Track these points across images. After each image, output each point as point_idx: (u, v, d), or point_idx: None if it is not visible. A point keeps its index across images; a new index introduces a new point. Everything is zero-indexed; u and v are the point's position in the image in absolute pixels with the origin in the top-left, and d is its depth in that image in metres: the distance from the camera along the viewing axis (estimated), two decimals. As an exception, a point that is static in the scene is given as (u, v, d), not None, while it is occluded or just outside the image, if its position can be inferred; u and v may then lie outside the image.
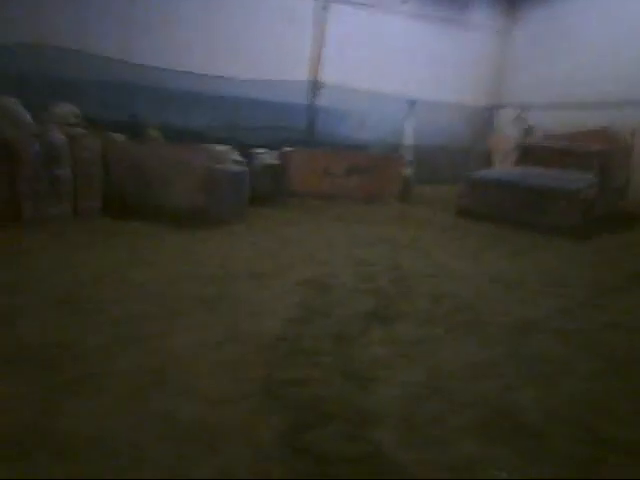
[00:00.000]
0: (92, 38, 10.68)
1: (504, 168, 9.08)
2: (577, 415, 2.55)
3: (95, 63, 10.63)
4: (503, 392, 2.72)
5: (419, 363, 3.00)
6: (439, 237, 6.78)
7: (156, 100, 11.08)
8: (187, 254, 4.90)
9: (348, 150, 10.76)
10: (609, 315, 4.09)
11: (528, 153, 9.48)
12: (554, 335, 3.56)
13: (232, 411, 2.33)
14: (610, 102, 11.63)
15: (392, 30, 13.67)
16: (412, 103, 13.82)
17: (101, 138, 6.25)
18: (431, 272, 4.98)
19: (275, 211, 7.52)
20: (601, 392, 2.79)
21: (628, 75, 11.40)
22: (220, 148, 6.94)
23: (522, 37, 14.76)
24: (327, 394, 2.55)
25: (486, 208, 8.09)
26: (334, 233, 6.44)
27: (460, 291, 4.43)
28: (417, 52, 13.90)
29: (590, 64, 12.43)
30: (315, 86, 13.15)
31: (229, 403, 2.38)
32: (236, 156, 6.92)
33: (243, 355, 2.90)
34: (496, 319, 3.80)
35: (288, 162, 8.83)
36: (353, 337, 3.29)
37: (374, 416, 2.39)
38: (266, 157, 8.78)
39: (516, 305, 4.17)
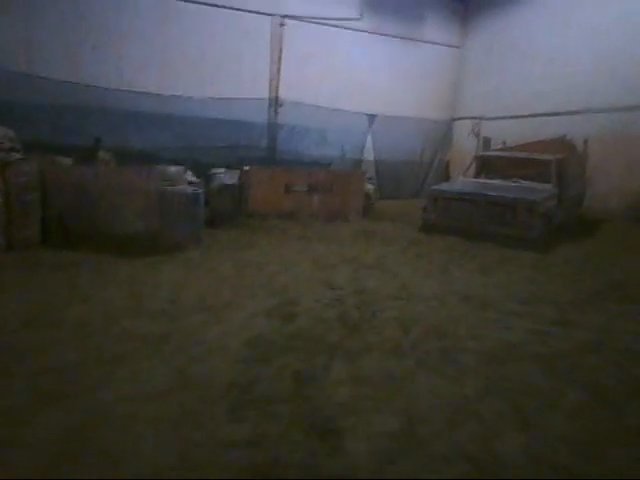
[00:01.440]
0: (42, 59, 10.11)
1: (465, 181, 8.94)
2: (567, 465, 2.23)
3: (45, 85, 10.04)
4: (484, 440, 2.38)
5: (389, 406, 2.63)
6: (404, 254, 6.49)
7: (110, 121, 10.54)
8: (134, 286, 4.40)
9: (310, 167, 10.45)
10: (586, 334, 3.84)
11: (487, 164, 9.42)
12: (533, 362, 3.27)
13: (167, 491, 1.89)
14: (563, 112, 11.81)
15: (350, 46, 13.60)
16: (372, 118, 13.73)
17: (41, 162, 5.70)
18: (398, 294, 4.65)
19: (234, 233, 7.08)
20: (591, 433, 2.48)
21: (579, 84, 11.59)
22: (173, 169, 6.49)
23: (475, 50, 14.95)
24: (284, 457, 2.14)
25: (450, 222, 7.90)
26: (296, 255, 6.06)
27: (430, 314, 4.11)
28: (375, 68, 13.86)
29: (541, 75, 12.62)
30: (275, 103, 12.87)
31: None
32: (191, 177, 6.49)
33: (187, 409, 2.45)
34: (470, 346, 3.48)
35: (248, 181, 8.43)
36: (315, 377, 2.90)
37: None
38: (225, 177, 8.37)
39: (489, 328, 3.88)
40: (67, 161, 6.80)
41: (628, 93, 10.65)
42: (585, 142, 10.00)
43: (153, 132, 11.18)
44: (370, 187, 9.71)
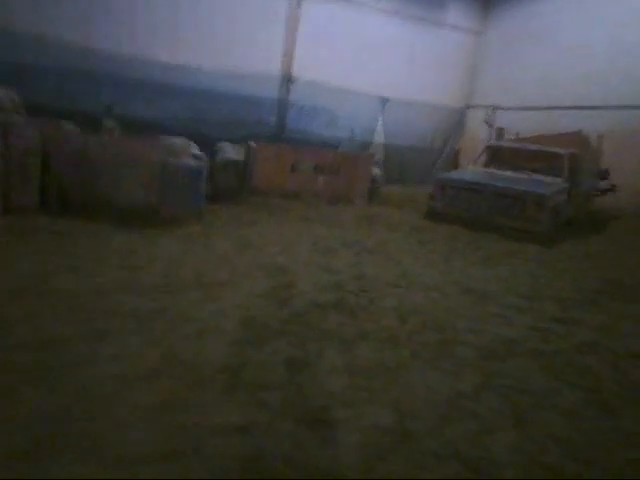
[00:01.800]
0: (51, 22, 9.86)
1: (474, 170, 8.75)
2: (559, 467, 2.14)
3: (54, 49, 9.83)
4: (476, 438, 2.29)
5: (382, 399, 2.55)
6: (407, 241, 6.37)
7: (118, 89, 10.35)
8: (130, 258, 4.31)
9: (317, 147, 10.25)
10: (586, 333, 3.75)
11: (497, 155, 9.21)
12: (531, 359, 3.18)
13: None
14: (579, 106, 11.51)
15: (366, 27, 13.24)
16: (384, 101, 13.45)
17: (44, 127, 5.55)
18: (398, 282, 4.55)
19: (236, 210, 6.95)
20: (586, 434, 2.40)
21: (601, 79, 11.27)
22: (178, 141, 6.32)
23: (495, 38, 14.54)
24: (273, 447, 2.06)
25: (456, 210, 7.75)
26: (298, 236, 5.94)
27: (429, 305, 4.01)
28: (391, 50, 13.51)
29: (562, 67, 12.27)
30: (287, 81, 12.60)
31: (144, 467, 1.86)
32: (195, 150, 6.32)
33: (174, 393, 2.37)
34: (468, 339, 3.39)
35: (253, 158, 8.26)
36: (308, 363, 2.81)
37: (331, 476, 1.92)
38: (230, 152, 8.20)
39: (489, 322, 3.78)
40: (72, 127, 6.65)
41: (644, 90, 10.37)
42: (600, 137, 9.76)
43: (161, 102, 10.99)
44: (377, 171, 9.52)
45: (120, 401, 2.26)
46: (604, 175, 9.44)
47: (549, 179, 7.89)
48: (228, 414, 2.25)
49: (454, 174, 8.57)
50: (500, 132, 11.63)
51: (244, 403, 2.35)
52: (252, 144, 8.44)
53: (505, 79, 13.96)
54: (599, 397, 2.74)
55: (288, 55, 12.59)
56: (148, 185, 5.68)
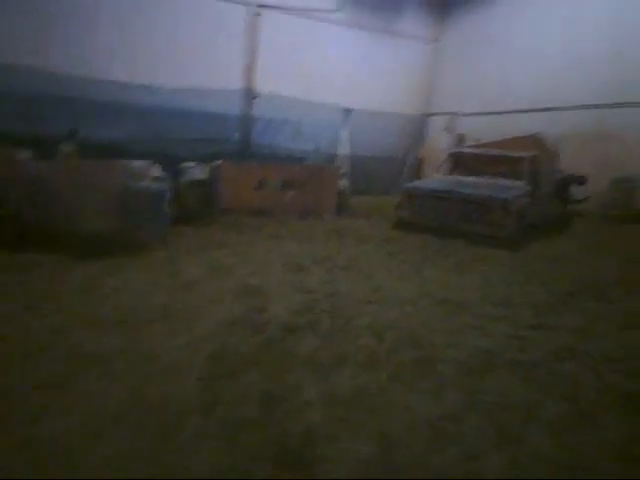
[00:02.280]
0: (7, 46, 9.47)
1: (439, 177, 8.80)
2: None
3: (10, 73, 9.43)
4: (463, 465, 2.18)
5: (364, 428, 2.41)
6: (379, 253, 6.29)
7: (79, 112, 9.99)
8: (90, 292, 4.05)
9: (284, 162, 10.14)
10: (562, 338, 3.71)
11: (460, 161, 9.29)
12: (511, 371, 3.10)
13: None
14: (537, 109, 11.79)
15: (327, 38, 13.30)
16: (348, 112, 13.47)
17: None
18: (372, 297, 4.44)
19: (204, 231, 6.74)
20: (572, 450, 2.32)
21: (555, 81, 11.58)
22: (139, 163, 6.08)
23: (452, 45, 14.81)
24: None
25: (424, 219, 7.75)
26: (268, 255, 5.78)
27: (404, 320, 3.91)
28: (352, 61, 13.59)
29: (518, 71, 12.58)
30: (249, 95, 12.47)
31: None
32: (157, 171, 6.10)
33: (135, 446, 2.16)
34: (447, 355, 3.29)
35: (219, 176, 8.08)
36: (284, 396, 2.65)
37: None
38: (195, 171, 7.98)
39: (466, 334, 3.70)
40: (26, 154, 6.32)
41: (598, 92, 10.69)
42: (558, 139, 9.99)
43: (124, 123, 10.68)
44: (344, 183, 9.47)
45: (72, 461, 2.04)
46: (582, 181, 9.57)
47: (512, 183, 7.99)
48: (199, 461, 2.07)
49: (420, 183, 8.60)
50: (461, 138, 11.79)
51: (217, 449, 2.17)
52: (218, 162, 8.26)
53: (463, 85, 14.22)
54: (581, 407, 2.68)
55: (249, 70, 12.48)
56: (108, 211, 5.42)
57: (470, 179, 8.31)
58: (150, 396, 2.54)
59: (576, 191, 9.70)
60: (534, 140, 9.43)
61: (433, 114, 15.26)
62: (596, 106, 10.78)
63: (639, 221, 9.37)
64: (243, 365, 2.96)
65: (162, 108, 11.16)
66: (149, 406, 2.45)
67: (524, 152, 8.52)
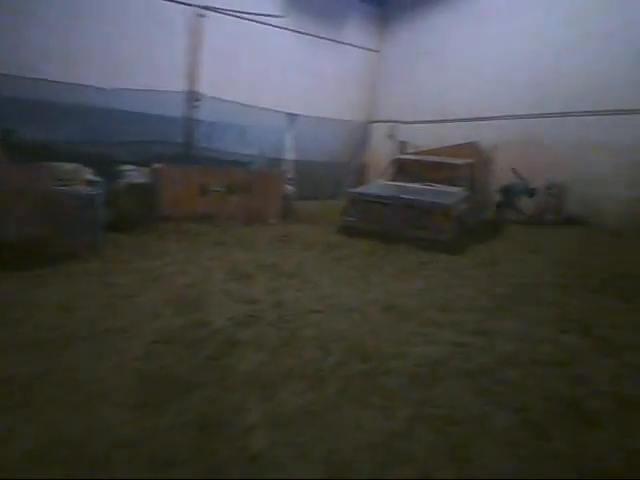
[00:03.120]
0: None
1: (383, 183, 8.82)
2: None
3: None
4: (418, 487, 2.04)
5: (313, 453, 2.21)
6: (324, 260, 6.14)
7: (10, 113, 9.16)
8: (10, 308, 3.59)
9: (228, 166, 9.78)
10: (505, 343, 3.69)
11: (402, 168, 9.36)
12: (457, 381, 3.02)
13: None
14: (473, 118, 12.16)
15: (272, 44, 13.09)
16: (293, 118, 13.30)
17: None
18: (319, 306, 4.26)
19: (142, 238, 6.31)
20: (523, 463, 2.24)
21: (491, 91, 11.98)
22: (69, 167, 5.59)
23: (392, 55, 15.04)
24: None
25: (369, 224, 7.71)
26: (211, 263, 5.46)
27: (351, 330, 3.76)
28: (297, 67, 13.45)
29: (453, 82, 12.93)
30: (192, 98, 11.99)
31: None
32: (90, 175, 5.63)
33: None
34: (394, 366, 3.16)
35: (160, 180, 7.63)
36: (225, 422, 2.40)
37: None
38: (134, 175, 7.50)
39: (412, 342, 3.60)
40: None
41: (528, 102, 11.18)
42: (493, 147, 10.31)
43: (59, 125, 9.92)
44: (290, 188, 9.27)
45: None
46: (532, 193, 9.86)
47: (452, 189, 8.12)
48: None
49: (365, 188, 8.56)
50: (402, 145, 11.94)
51: (147, 490, 1.90)
52: (158, 166, 7.81)
53: (404, 95, 14.46)
54: (531, 417, 2.61)
55: (192, 72, 12.02)
56: (35, 217, 4.91)
57: (412, 185, 8.37)
58: (72, 431, 2.21)
59: (526, 202, 10.00)
60: (471, 148, 9.69)
61: (376, 121, 15.42)
62: (525, 116, 11.27)
63: (568, 224, 9.86)
64: (181, 387, 2.68)
65: (100, 109, 10.49)
66: (70, 442, 2.12)
67: (462, 159, 8.71)
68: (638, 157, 9.22)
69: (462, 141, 10.10)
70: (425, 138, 12.17)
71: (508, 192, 10.03)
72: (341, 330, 3.73)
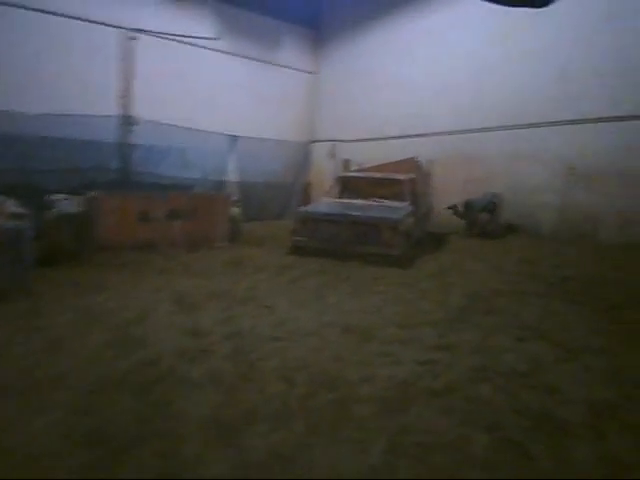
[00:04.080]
0: None
1: (330, 201, 8.73)
2: None
3: None
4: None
5: (285, 507, 1.94)
6: (278, 282, 5.88)
7: None
8: None
9: (169, 191, 9.33)
10: (468, 357, 3.60)
11: (347, 185, 9.36)
12: (430, 402, 2.86)
13: None
14: (410, 135, 12.46)
15: (210, 67, 12.85)
16: (234, 139, 13.03)
17: None
18: (277, 333, 3.99)
19: (78, 272, 5.76)
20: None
21: (422, 110, 12.34)
22: (-10, 199, 5.00)
23: (329, 76, 15.24)
24: None
25: (319, 243, 7.56)
26: (156, 294, 5.04)
27: (314, 357, 3.52)
28: (235, 89, 13.27)
29: (389, 101, 13.23)
30: (128, 122, 11.44)
31: None
32: (13, 207, 5.07)
33: None
34: (363, 392, 2.96)
35: (95, 209, 7.09)
36: (182, 478, 2.07)
37: None
38: (66, 204, 6.91)
39: (378, 364, 3.42)
40: None
41: (461, 118, 11.61)
42: (430, 162, 10.58)
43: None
44: (236, 210, 8.96)
45: None
46: (492, 208, 9.94)
47: (397, 204, 8.17)
48: None
49: (313, 207, 8.42)
50: (346, 163, 12.00)
51: None
52: (93, 194, 7.27)
53: (343, 114, 14.64)
54: (506, 435, 2.49)
55: (126, 95, 11.50)
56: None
57: (359, 202, 8.35)
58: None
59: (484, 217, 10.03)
60: (411, 163, 9.88)
61: (317, 141, 15.47)
62: (458, 131, 11.69)
63: (507, 233, 10.21)
64: (129, 442, 2.32)
65: (27, 135, 9.74)
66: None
67: (403, 175, 8.82)
68: (566, 166, 9.76)
69: (401, 157, 10.30)
70: (366, 155, 12.33)
71: (469, 207, 10.17)
72: (303, 357, 3.48)
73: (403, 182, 8.67)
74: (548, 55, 10.01)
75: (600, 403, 2.76)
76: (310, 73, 15.32)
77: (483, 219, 10.03)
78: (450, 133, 11.76)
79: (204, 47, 12.62)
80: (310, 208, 8.39)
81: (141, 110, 11.41)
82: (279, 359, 3.41)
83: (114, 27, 11.13)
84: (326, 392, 2.94)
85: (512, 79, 10.65)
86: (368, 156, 12.16)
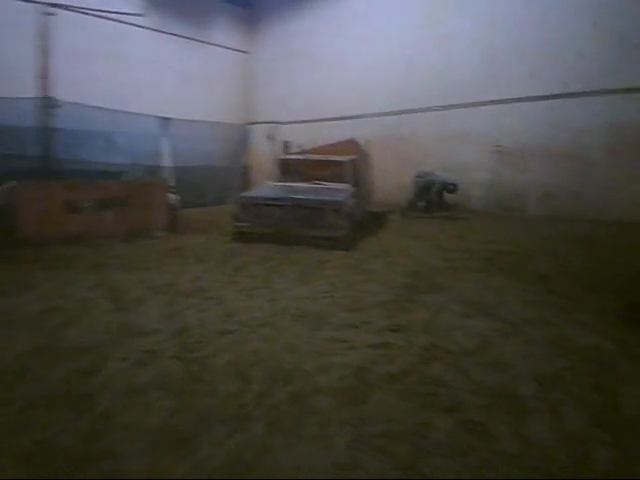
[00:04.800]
0: None
1: (272, 185, 8.48)
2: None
3: None
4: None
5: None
6: (223, 271, 5.61)
7: None
8: None
9: (98, 178, 8.62)
10: (419, 337, 3.60)
11: (288, 168, 9.13)
12: (387, 387, 2.80)
13: None
14: (347, 116, 12.37)
15: (137, 45, 11.91)
16: (167, 122, 12.27)
17: None
18: (227, 326, 3.78)
19: (-3, 271, 5.15)
20: (477, 470, 2.07)
21: (359, 91, 12.27)
22: None
23: (264, 56, 14.73)
24: None
25: (263, 228, 7.33)
26: (90, 292, 4.61)
27: (267, 348, 3.36)
28: (165, 68, 12.44)
29: (326, 82, 13.02)
30: (47, 104, 10.39)
31: None
32: None
33: None
34: (321, 383, 2.85)
35: (16, 200, 6.39)
36: (136, 501, 1.86)
37: None
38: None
39: (333, 351, 3.33)
40: None
41: (394, 100, 11.67)
42: (368, 143, 10.56)
43: None
44: (173, 197, 8.46)
45: None
46: (452, 189, 9.85)
47: (339, 186, 8.09)
48: None
49: (255, 192, 8.13)
50: (286, 145, 11.73)
51: None
52: (11, 184, 6.53)
53: (280, 95, 14.26)
54: (467, 417, 2.48)
55: (45, 76, 10.43)
56: None
57: (302, 185, 8.17)
58: None
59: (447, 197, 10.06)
60: (350, 144, 9.80)
61: (255, 123, 14.99)
62: (392, 112, 11.77)
63: (440, 210, 10.48)
64: (71, 463, 2.05)
65: None
66: None
67: (344, 156, 8.73)
68: (493, 144, 10.13)
69: (340, 138, 10.20)
70: (305, 137, 12.13)
71: (423, 189, 10.21)
72: (257, 350, 3.31)
73: (344, 164, 8.59)
74: (473, 36, 10.24)
75: (549, 377, 2.84)
76: (245, 53, 14.71)
77: (434, 200, 10.18)
78: (386, 114, 11.81)
79: (130, 23, 11.67)
80: (252, 192, 8.10)
81: (63, 91, 10.40)
82: (231, 354, 3.22)
83: (29, 1, 9.98)
84: (283, 387, 2.80)
85: (441, 61, 10.83)
86: (308, 138, 11.97)
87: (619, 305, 4.27)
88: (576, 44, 8.75)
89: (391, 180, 11.96)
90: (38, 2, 10.16)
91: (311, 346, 3.42)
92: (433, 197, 9.86)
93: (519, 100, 9.65)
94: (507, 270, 5.69)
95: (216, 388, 2.77)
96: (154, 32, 12.25)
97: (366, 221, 9.06)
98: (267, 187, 8.41)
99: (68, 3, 10.61)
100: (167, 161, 12.38)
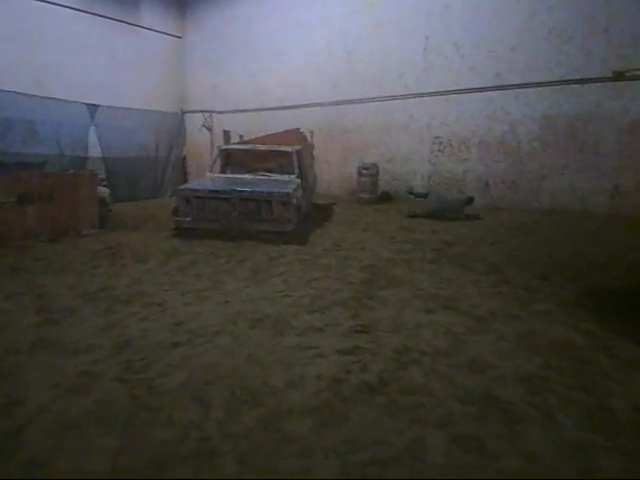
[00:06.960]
0: None
1: (214, 177, 7.88)
2: None
3: None
4: None
5: None
6: (165, 272, 5.01)
7: None
8: None
9: (13, 169, 7.51)
10: (388, 338, 3.31)
11: (230, 159, 8.56)
12: (367, 402, 2.48)
13: None
14: (287, 106, 11.89)
15: (56, 24, 10.59)
16: (93, 109, 11.11)
17: None
18: (175, 337, 3.27)
19: None
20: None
21: (298, 80, 11.81)
22: None
23: (198, 42, 13.79)
24: None
25: (206, 223, 6.75)
26: (9, 301, 3.87)
27: (227, 361, 2.91)
28: (91, 52, 11.24)
29: (264, 71, 12.42)
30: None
31: None
32: None
33: None
34: (292, 401, 2.47)
35: None
36: None
37: None
38: None
39: (300, 361, 2.95)
40: None
41: (337, 89, 11.36)
42: (311, 133, 10.21)
43: None
44: (104, 190, 7.58)
45: None
46: (470, 202, 8.60)
47: (286, 177, 7.68)
48: None
49: (196, 184, 7.46)
50: (226, 135, 11.04)
51: None
52: None
53: (217, 83, 13.45)
54: (458, 431, 2.21)
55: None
56: None
57: (246, 176, 7.66)
58: None
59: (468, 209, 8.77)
60: (294, 135, 9.38)
61: (190, 111, 14.06)
62: (334, 103, 11.47)
63: (384, 201, 10.40)
64: None
65: None
66: None
67: (289, 146, 8.31)
68: (433, 135, 10.15)
69: (282, 129, 9.75)
70: (243, 127, 11.50)
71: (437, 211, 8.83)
72: (214, 365, 2.85)
73: (289, 154, 8.16)
74: (411, 26, 10.13)
75: (531, 377, 2.66)
76: (178, 38, 13.68)
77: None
78: (328, 104, 11.48)
79: (52, 3, 10.33)
80: (194, 185, 7.44)
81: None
82: (184, 372, 2.74)
83: None
84: (250, 409, 2.39)
85: (380, 51, 10.64)
86: (246, 128, 11.35)
87: (573, 293, 4.27)
88: (510, 37, 8.90)
89: (334, 171, 11.70)
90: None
91: (276, 356, 3.02)
92: (450, 214, 8.56)
93: (456, 92, 9.71)
94: (458, 261, 5.60)
95: (170, 417, 2.29)
96: (80, 12, 10.97)
97: (313, 213, 8.72)
98: (210, 179, 7.79)
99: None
100: (96, 151, 11.24)
